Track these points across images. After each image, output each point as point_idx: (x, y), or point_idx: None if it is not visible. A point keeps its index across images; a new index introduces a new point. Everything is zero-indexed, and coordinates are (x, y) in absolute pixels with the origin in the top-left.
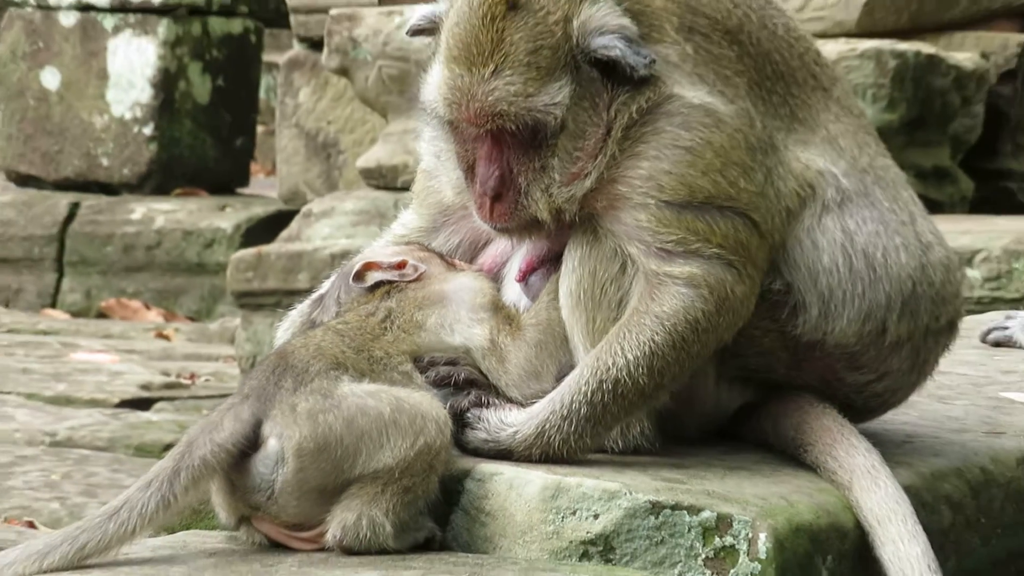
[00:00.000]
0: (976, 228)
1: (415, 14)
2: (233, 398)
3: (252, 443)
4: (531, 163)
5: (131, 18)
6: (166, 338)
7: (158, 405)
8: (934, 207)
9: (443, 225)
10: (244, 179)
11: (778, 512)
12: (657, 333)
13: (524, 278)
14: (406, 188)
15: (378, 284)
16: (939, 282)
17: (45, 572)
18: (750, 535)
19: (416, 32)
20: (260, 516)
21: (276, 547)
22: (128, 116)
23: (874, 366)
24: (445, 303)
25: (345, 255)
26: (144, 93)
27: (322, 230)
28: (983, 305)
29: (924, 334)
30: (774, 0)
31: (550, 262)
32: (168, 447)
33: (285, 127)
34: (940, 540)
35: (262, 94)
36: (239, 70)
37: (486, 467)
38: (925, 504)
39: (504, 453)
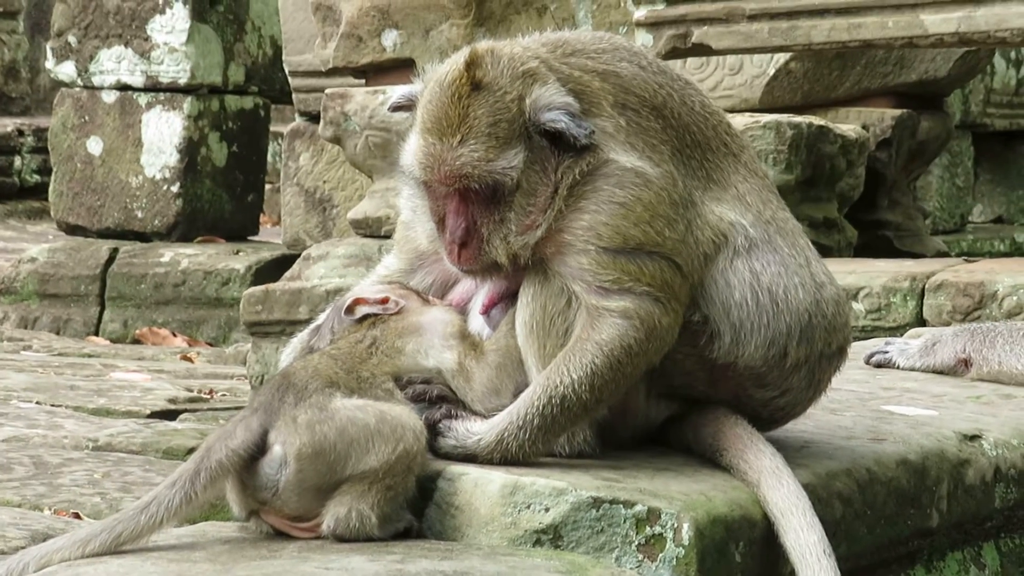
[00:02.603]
0: (859, 269)
1: (395, 93)
2: (244, 411)
3: (260, 449)
4: (492, 216)
5: (161, 96)
6: (189, 360)
7: (183, 416)
8: (825, 252)
9: (419, 267)
10: (254, 229)
11: (699, 506)
12: (597, 357)
13: (486, 311)
14: (388, 236)
15: (365, 316)
16: (831, 314)
17: (87, 556)
18: (675, 525)
19: (396, 108)
20: (267, 509)
21: (280, 535)
22: (159, 177)
23: (777, 384)
24: (421, 332)
25: (338, 292)
26: (172, 158)
27: (319, 271)
28: (866, 333)
29: (819, 357)
30: (692, 81)
31: (508, 298)
32: (191, 451)
33: (288, 186)
34: (833, 529)
35: (269, 158)
36: (251, 139)
37: (455, 468)
38: (821, 499)
39: (470, 457)
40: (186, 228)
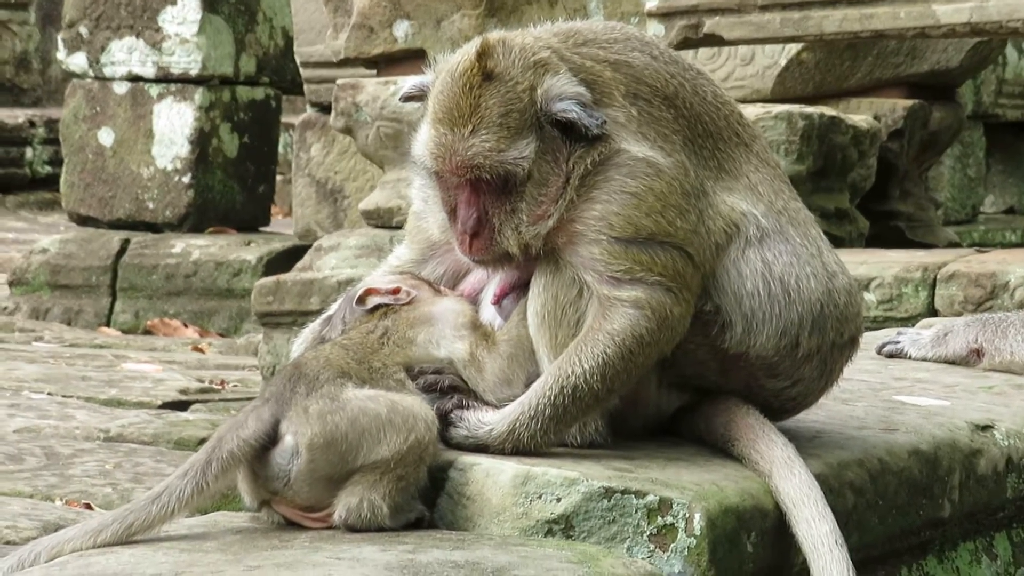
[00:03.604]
0: (871, 259)
1: (407, 83)
2: (256, 401)
3: (271, 439)
4: (503, 206)
5: (172, 87)
6: (201, 351)
7: (194, 407)
8: (837, 242)
9: (431, 258)
10: (266, 219)
11: (710, 496)
12: (608, 347)
13: (498, 301)
14: (400, 227)
15: (377, 307)
16: (842, 304)
17: (98, 546)
18: (687, 515)
19: (408, 98)
20: (278, 500)
21: (291, 526)
22: (170, 168)
23: (789, 374)
24: (432, 322)
25: (350, 282)
26: (183, 149)
27: (330, 262)
28: (878, 323)
29: (831, 348)
30: (704, 71)
31: (519, 288)
32: (202, 442)
33: (300, 176)
34: (845, 519)
35: (281, 149)
36: (262, 130)
37: (467, 459)
38: (832, 489)
39: (482, 447)
40: (197, 219)
